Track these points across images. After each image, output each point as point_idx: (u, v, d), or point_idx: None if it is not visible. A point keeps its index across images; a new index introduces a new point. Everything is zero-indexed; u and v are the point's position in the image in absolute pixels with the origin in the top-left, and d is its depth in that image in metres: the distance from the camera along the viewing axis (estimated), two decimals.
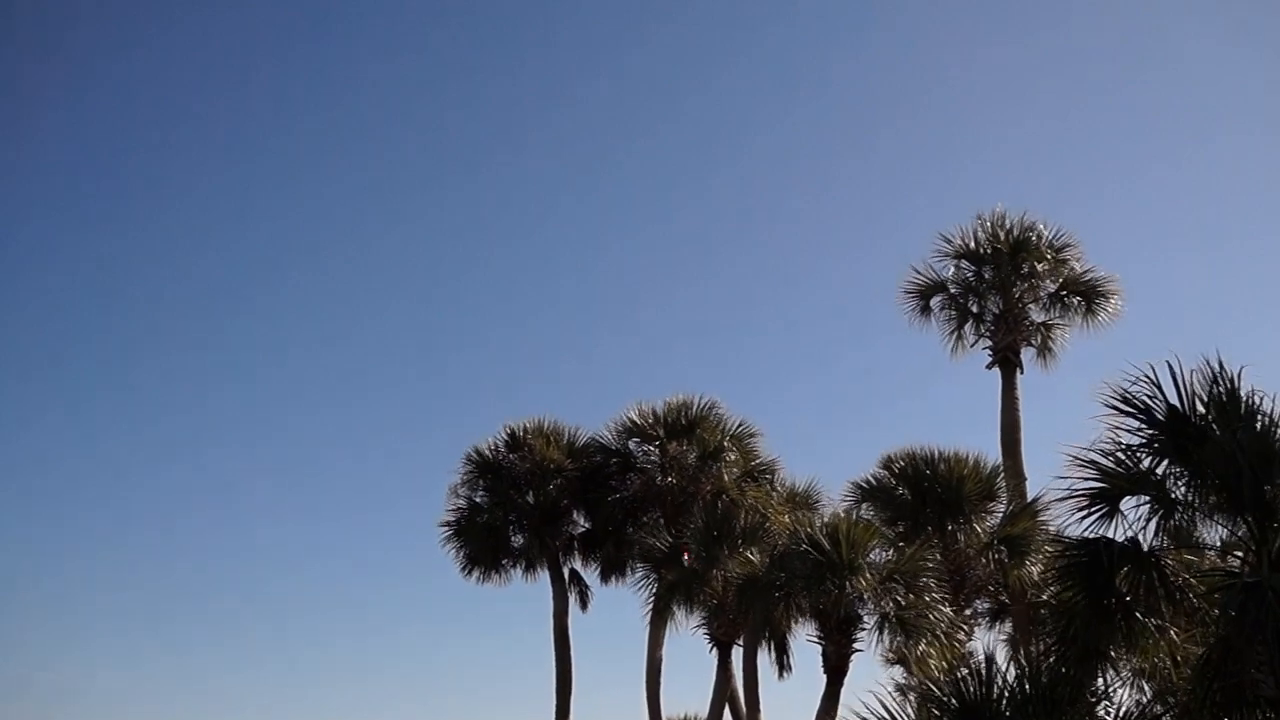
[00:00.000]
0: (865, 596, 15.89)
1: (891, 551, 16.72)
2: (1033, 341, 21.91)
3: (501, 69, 58.31)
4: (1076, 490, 11.14)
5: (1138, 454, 10.89)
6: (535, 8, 57.56)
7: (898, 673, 18.06)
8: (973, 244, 22.22)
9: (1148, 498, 10.80)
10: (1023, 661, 11.61)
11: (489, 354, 59.50)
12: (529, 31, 57.73)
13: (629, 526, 23.82)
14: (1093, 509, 11.06)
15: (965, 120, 57.51)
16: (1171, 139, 53.26)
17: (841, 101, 58.35)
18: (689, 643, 22.01)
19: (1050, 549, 15.45)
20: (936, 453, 19.85)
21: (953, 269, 22.48)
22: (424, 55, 57.78)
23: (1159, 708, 11.42)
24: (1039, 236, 21.99)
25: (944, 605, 16.10)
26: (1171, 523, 10.79)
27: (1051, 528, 16.85)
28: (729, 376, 56.83)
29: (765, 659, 20.10)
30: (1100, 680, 11.25)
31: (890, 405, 54.84)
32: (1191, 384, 10.69)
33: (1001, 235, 22.02)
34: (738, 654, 20.88)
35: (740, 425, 23.84)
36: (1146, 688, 12.26)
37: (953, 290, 22.46)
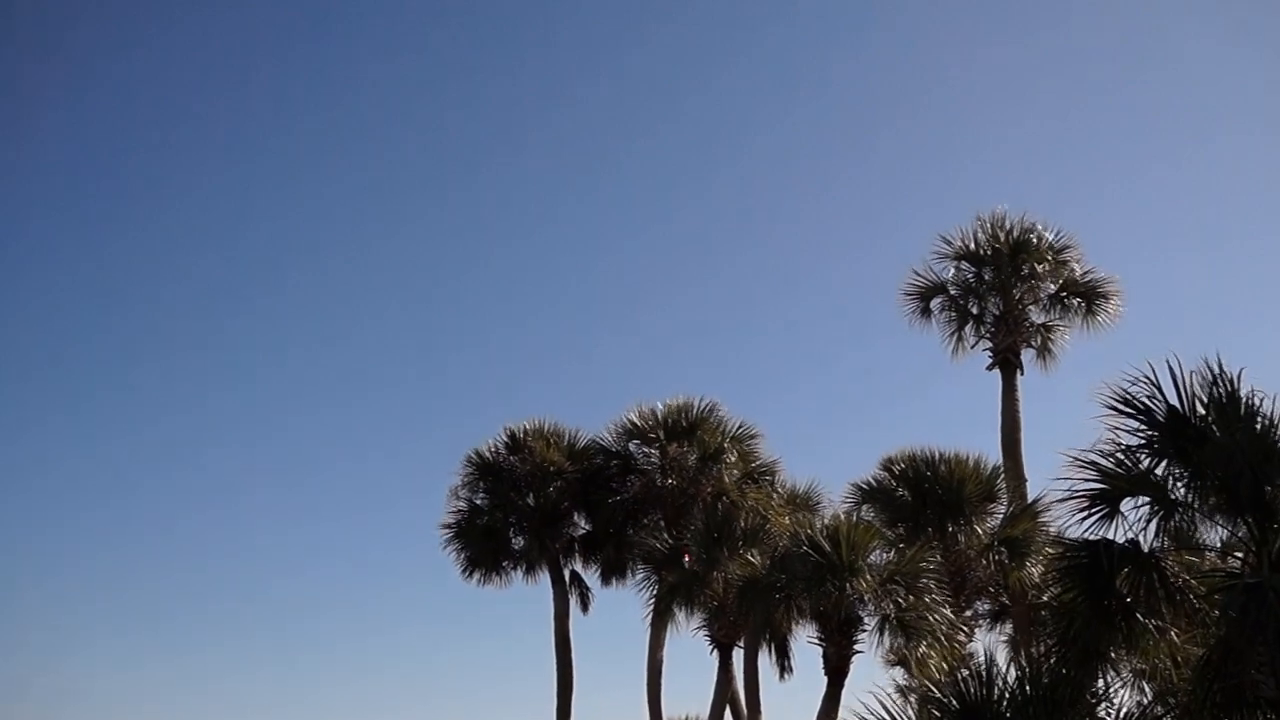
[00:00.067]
0: (866, 598, 15.89)
1: (892, 553, 16.72)
2: (1033, 343, 21.92)
3: (501, 69, 58.45)
4: (1077, 491, 11.16)
5: (1138, 455, 10.90)
6: (535, 8, 57.70)
7: (898, 674, 18.08)
8: (973, 245, 22.24)
9: (1148, 499, 10.81)
10: (1023, 663, 11.61)
11: (489, 355, 59.60)
12: (529, 31, 57.88)
13: (629, 528, 23.81)
14: (1093, 510, 11.07)
15: (965, 120, 57.63)
16: (1171, 139, 53.36)
17: (841, 101, 58.48)
18: (690, 644, 22.05)
19: (1051, 550, 15.47)
20: (937, 454, 19.86)
21: (953, 270, 22.51)
22: (424, 55, 57.92)
23: (1159, 709, 11.41)
24: (1039, 238, 22.01)
25: (944, 607, 16.10)
26: (1172, 524, 10.80)
27: (1052, 529, 16.89)
28: (729, 378, 56.93)
29: (766, 660, 20.18)
30: (1101, 681, 11.26)
31: (890, 406, 54.92)
32: (1191, 385, 10.70)
33: (1001, 236, 22.03)
34: (738, 655, 20.90)
35: (740, 427, 23.88)
36: (1147, 689, 12.26)
37: (953, 291, 22.47)
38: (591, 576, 25.14)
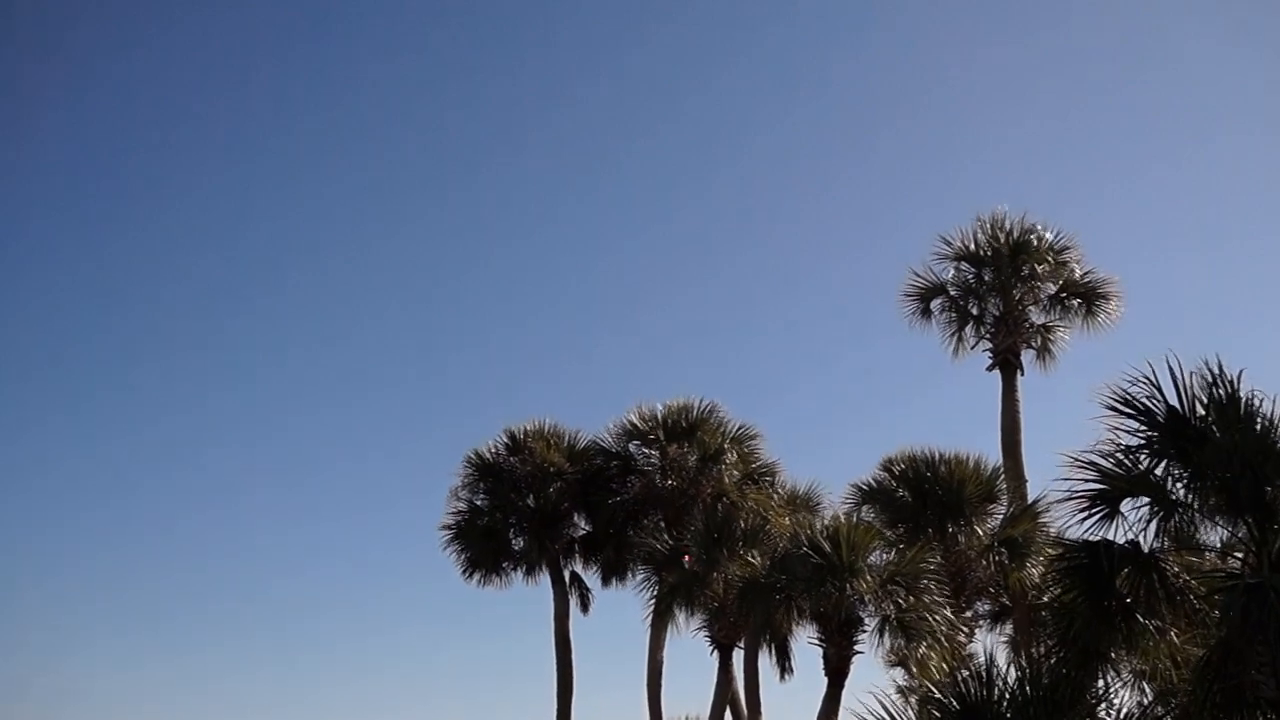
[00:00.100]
0: (866, 599, 15.90)
1: (892, 554, 16.74)
2: (1033, 343, 21.93)
3: (501, 69, 58.43)
4: (1077, 492, 11.16)
5: (1137, 455, 10.90)
6: (535, 8, 57.70)
7: (899, 675, 18.07)
8: (972, 246, 22.25)
9: (1148, 499, 10.82)
10: (1023, 663, 11.61)
11: (489, 355, 59.56)
12: (529, 31, 57.87)
13: (629, 529, 23.81)
14: (1093, 511, 11.07)
15: (965, 120, 57.60)
16: (1171, 139, 53.34)
17: (841, 101, 58.44)
18: (690, 645, 22.05)
19: (1051, 551, 15.46)
20: (937, 455, 19.87)
21: (953, 271, 22.53)
22: (424, 55, 57.91)
23: (1160, 709, 11.42)
24: (1039, 238, 22.02)
25: (945, 607, 16.10)
26: (1172, 524, 10.81)
27: (1052, 530, 16.89)
28: (729, 379, 56.78)
29: (766, 661, 20.17)
30: (1101, 682, 11.27)
31: (890, 407, 54.92)
32: (1191, 385, 10.70)
33: (1001, 237, 22.05)
34: (739, 656, 20.90)
35: (740, 428, 23.90)
36: (1147, 689, 12.25)
37: (953, 292, 22.49)
38: (592, 577, 25.19)
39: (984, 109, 57.68)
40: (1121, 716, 11.11)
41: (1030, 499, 18.98)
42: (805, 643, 17.68)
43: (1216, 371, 10.59)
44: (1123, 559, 10.82)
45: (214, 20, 54.24)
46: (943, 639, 15.57)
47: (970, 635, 18.33)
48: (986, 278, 22.15)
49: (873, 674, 17.81)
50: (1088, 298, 21.88)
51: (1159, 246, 52.57)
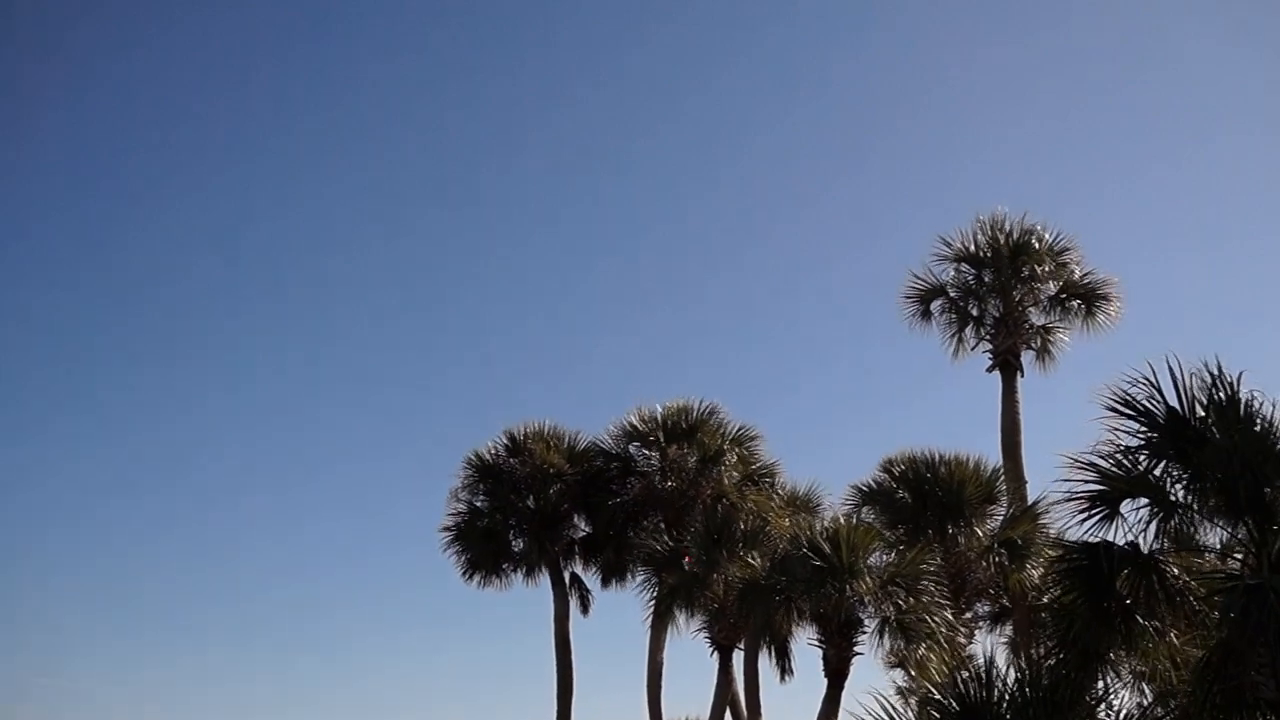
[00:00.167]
0: (866, 600, 15.91)
1: (892, 555, 16.74)
2: (1033, 344, 21.92)
3: (501, 69, 58.51)
4: (1076, 493, 11.15)
5: (1137, 456, 10.90)
6: (535, 8, 57.77)
7: (898, 676, 18.03)
8: (972, 247, 22.25)
9: (1147, 500, 10.81)
10: (1023, 664, 11.59)
11: (489, 357, 59.62)
12: (529, 31, 57.94)
13: (629, 530, 23.82)
14: (1093, 512, 11.06)
15: (965, 120, 57.68)
16: (1171, 139, 53.40)
17: (841, 101, 58.53)
18: (690, 646, 22.05)
19: (1051, 552, 15.46)
20: (937, 456, 19.88)
21: (952, 272, 22.53)
22: (424, 55, 58.01)
23: (1159, 710, 11.42)
24: (1039, 239, 22.02)
25: (944, 609, 16.11)
26: (1171, 525, 10.80)
27: (1052, 531, 16.89)
28: (729, 379, 56.85)
29: (766, 662, 20.16)
30: (1101, 683, 11.26)
31: (890, 408, 54.99)
32: (1191, 386, 10.70)
33: (1001, 238, 22.05)
34: (739, 657, 20.90)
35: (740, 429, 23.92)
36: (1147, 690, 12.25)
37: (953, 294, 22.48)
38: (591, 578, 25.21)
39: (984, 109, 57.81)
40: (1121, 718, 11.11)
41: (1030, 500, 18.98)
42: (805, 644, 17.74)
43: (1216, 372, 10.59)
44: (1122, 560, 10.81)
45: (214, 20, 54.41)
46: (942, 640, 15.57)
47: (970, 636, 18.33)
48: (986, 279, 22.15)
49: (872, 675, 17.86)
50: (1088, 299, 21.87)
51: (1159, 246, 52.68)
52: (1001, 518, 19.03)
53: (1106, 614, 10.91)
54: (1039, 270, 21.87)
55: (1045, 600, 15.86)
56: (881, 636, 15.76)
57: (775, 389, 56.15)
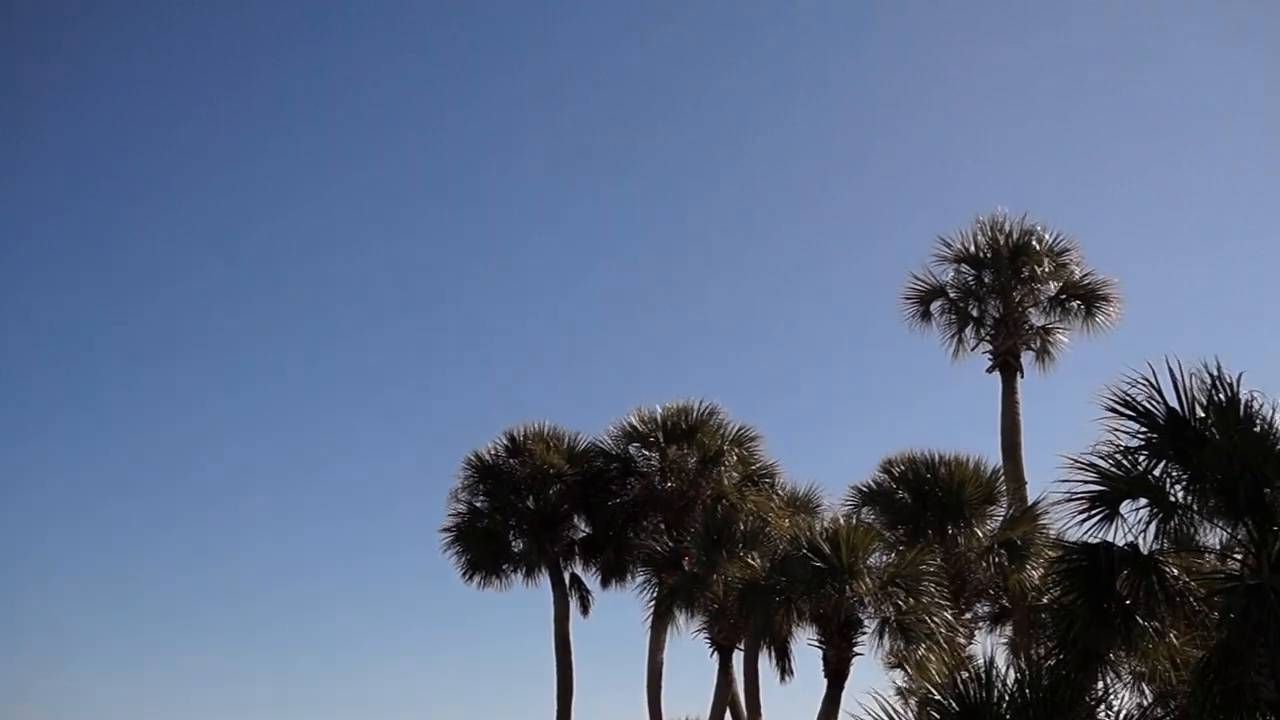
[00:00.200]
0: (866, 601, 15.91)
1: (892, 555, 16.74)
2: (1032, 345, 21.92)
3: (501, 69, 58.45)
4: (1076, 494, 11.16)
5: (1137, 457, 10.90)
6: (535, 8, 57.75)
7: (898, 676, 18.02)
8: (972, 248, 22.24)
9: (1147, 501, 10.81)
10: (1023, 665, 11.60)
11: (489, 357, 59.59)
12: (529, 31, 57.90)
13: (629, 531, 23.83)
14: (1092, 512, 11.07)
15: (965, 120, 57.63)
16: (1171, 139, 53.36)
17: (841, 101, 58.48)
18: (690, 647, 22.05)
19: (1050, 552, 15.46)
20: (937, 456, 19.89)
21: (952, 273, 22.52)
22: (424, 55, 57.99)
23: (1159, 711, 11.42)
24: (1039, 240, 22.02)
25: (944, 609, 16.11)
26: (1171, 526, 10.80)
27: (1052, 531, 16.89)
28: (729, 380, 56.78)
29: (766, 663, 20.14)
30: (1100, 683, 11.26)
31: (890, 409, 54.94)
32: (1191, 387, 10.71)
33: (1001, 239, 22.05)
34: (739, 658, 20.90)
35: (740, 429, 23.90)
36: (1147, 691, 12.25)
37: (952, 295, 22.48)
38: (591, 579, 25.20)
39: (984, 109, 57.78)
40: (1121, 718, 11.11)
41: (1030, 501, 18.98)
42: (805, 644, 17.73)
43: (1216, 373, 10.60)
44: (1122, 561, 10.81)
45: (214, 20, 54.38)
46: (942, 641, 15.57)
47: (970, 637, 18.33)
48: (986, 280, 22.15)
49: (872, 676, 17.83)
50: (1087, 299, 21.87)
51: (1159, 247, 52.67)
52: (1001, 518, 19.03)
53: (1106, 614, 10.92)
54: (1039, 271, 21.87)
55: (1045, 601, 15.87)
56: (881, 637, 15.77)
57: (775, 389, 56.18)
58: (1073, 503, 11.18)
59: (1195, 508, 10.66)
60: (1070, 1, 53.27)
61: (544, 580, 24.92)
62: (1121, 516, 11.01)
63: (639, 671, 23.44)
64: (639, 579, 22.65)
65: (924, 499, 19.43)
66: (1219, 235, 51.53)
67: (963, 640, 17.05)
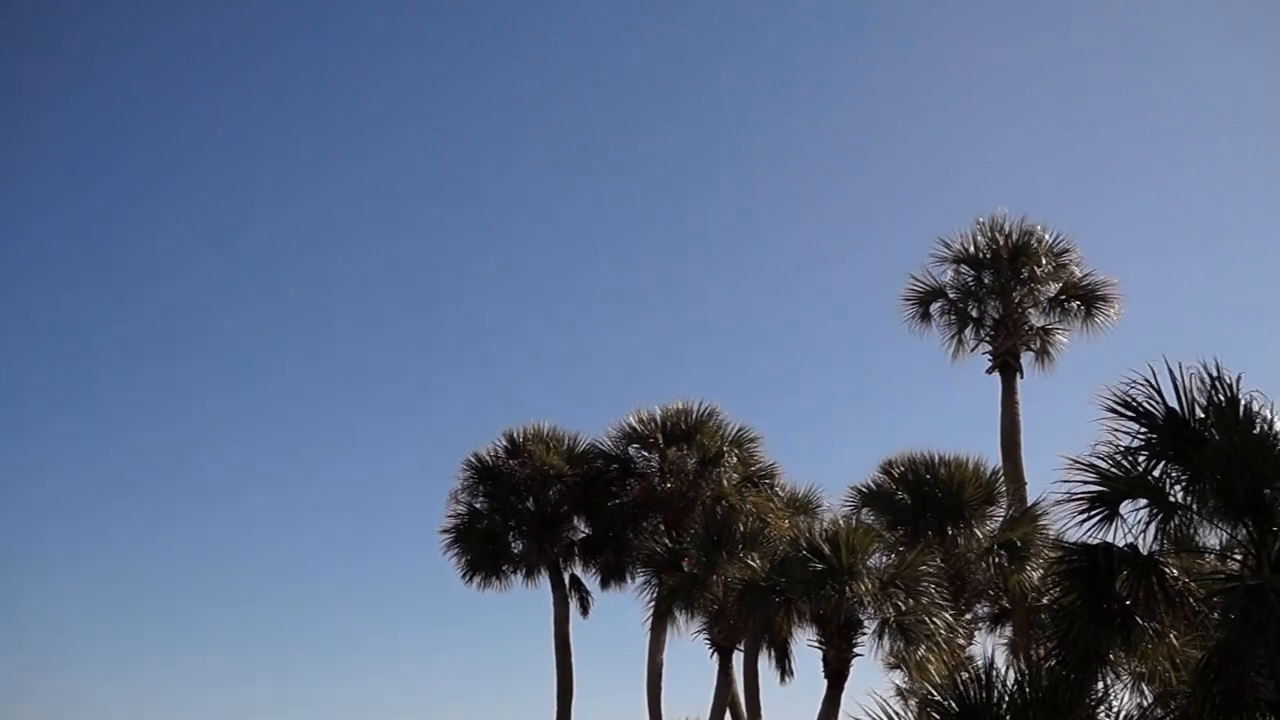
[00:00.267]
0: (865, 601, 15.90)
1: (892, 556, 16.75)
2: (1032, 346, 21.91)
3: (501, 69, 58.45)
4: (1076, 494, 11.16)
5: (1137, 457, 10.90)
6: (535, 8, 57.77)
7: (898, 677, 18.03)
8: (972, 249, 22.23)
9: (1147, 501, 10.82)
10: (1023, 666, 11.61)
11: (488, 358, 59.58)
12: (529, 31, 57.92)
13: (629, 532, 23.82)
14: (1092, 513, 11.07)
15: (965, 120, 57.64)
16: (1171, 139, 53.36)
17: (841, 101, 58.48)
18: (690, 648, 22.07)
19: (1050, 553, 15.46)
20: (937, 457, 19.88)
21: (952, 274, 22.52)
22: (424, 55, 58.00)
23: (1159, 711, 11.42)
24: (1038, 241, 22.02)
25: (944, 610, 16.11)
26: (1171, 526, 10.80)
27: (1051, 532, 16.88)
28: (729, 380, 56.71)
29: (766, 664, 20.12)
30: (1100, 684, 11.26)
31: (890, 410, 54.89)
32: (1190, 387, 10.71)
33: (1000, 240, 22.04)
34: (739, 659, 20.89)
35: (740, 430, 23.90)
36: (1147, 691, 12.26)
37: (952, 295, 22.47)
38: (591, 580, 25.20)
39: (984, 109, 57.79)
40: (1121, 719, 11.11)
41: (1030, 501, 18.98)
42: (805, 645, 17.72)
43: (1215, 374, 10.61)
44: (1122, 561, 10.81)
45: (214, 20, 54.40)
46: (942, 641, 15.57)
47: (970, 638, 18.34)
48: (986, 280, 22.14)
49: (872, 677, 17.84)
50: (1087, 300, 21.86)
51: (1159, 247, 52.66)
52: (1001, 519, 19.03)
53: (1106, 615, 10.92)
54: (1038, 271, 21.87)
55: (1045, 601, 15.88)
56: (881, 638, 15.77)
57: (775, 389, 56.18)
58: (1072, 503, 11.19)
59: (1195, 508, 10.66)
60: (1070, 1, 53.35)
61: (544, 581, 24.93)
62: (1121, 517, 11.01)
63: (639, 672, 23.46)
64: (639, 580, 22.69)
65: (924, 500, 19.43)
66: (1219, 235, 51.60)
67: (962, 641, 17.06)
